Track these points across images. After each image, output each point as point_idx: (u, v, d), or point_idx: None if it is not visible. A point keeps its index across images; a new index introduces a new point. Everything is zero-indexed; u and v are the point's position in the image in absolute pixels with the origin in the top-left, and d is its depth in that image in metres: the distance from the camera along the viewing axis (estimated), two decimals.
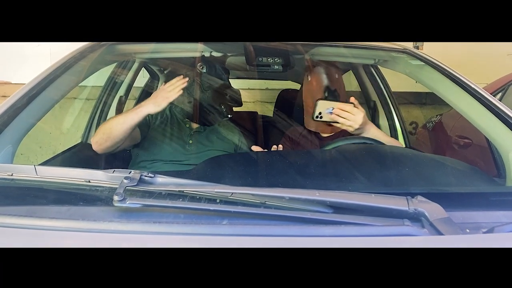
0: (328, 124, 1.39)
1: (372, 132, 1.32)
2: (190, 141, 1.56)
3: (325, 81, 1.49)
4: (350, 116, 1.28)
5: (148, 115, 1.53)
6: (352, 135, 1.33)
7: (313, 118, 1.33)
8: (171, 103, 1.66)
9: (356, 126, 1.27)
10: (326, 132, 1.55)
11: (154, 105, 1.31)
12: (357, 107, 1.29)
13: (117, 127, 1.30)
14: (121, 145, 1.41)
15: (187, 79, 1.35)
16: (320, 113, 1.32)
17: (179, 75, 1.58)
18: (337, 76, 1.54)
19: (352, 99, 1.32)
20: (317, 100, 1.31)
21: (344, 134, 1.45)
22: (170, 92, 1.32)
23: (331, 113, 1.30)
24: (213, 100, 1.55)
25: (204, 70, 1.53)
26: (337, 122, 1.31)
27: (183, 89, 1.55)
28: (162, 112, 1.60)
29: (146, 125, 1.53)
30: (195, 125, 1.61)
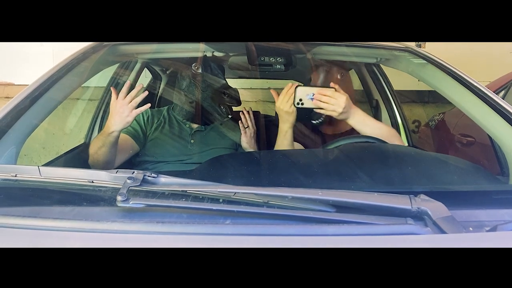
0: (315, 111, 1.36)
1: (358, 116, 1.28)
2: (192, 141, 1.57)
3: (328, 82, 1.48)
4: (331, 100, 1.24)
5: (142, 124, 1.54)
6: (357, 132, 1.32)
7: (294, 105, 1.29)
8: (169, 105, 1.68)
9: (340, 110, 1.23)
10: (328, 132, 1.56)
11: (121, 122, 1.23)
12: (338, 91, 1.26)
13: (100, 151, 1.28)
14: (120, 160, 1.39)
15: (142, 85, 1.28)
16: (300, 100, 1.28)
17: (181, 74, 1.58)
18: (339, 77, 1.54)
19: (332, 84, 1.28)
20: (296, 87, 1.28)
21: (349, 133, 1.45)
22: (131, 103, 1.23)
23: (312, 99, 1.26)
24: (212, 100, 1.55)
25: (200, 71, 1.53)
26: (320, 108, 1.27)
27: (182, 90, 1.55)
28: (159, 115, 1.61)
29: (140, 134, 1.52)
30: (195, 125, 1.61)
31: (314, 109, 1.31)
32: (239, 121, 1.57)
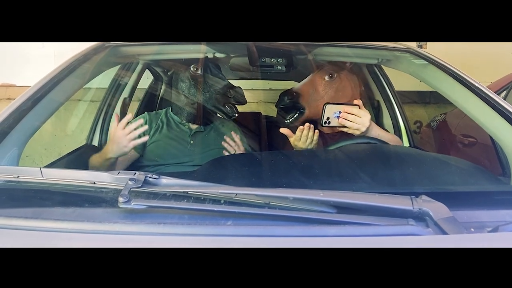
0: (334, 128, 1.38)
1: (374, 132, 1.31)
2: (192, 141, 1.56)
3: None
4: (357, 119, 1.26)
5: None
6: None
7: (321, 124, 1.30)
8: (167, 107, 1.68)
9: (363, 129, 1.26)
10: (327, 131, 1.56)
11: (118, 151, 1.27)
12: (362, 109, 1.28)
13: (100, 168, 1.33)
14: (120, 169, 1.41)
15: (142, 120, 1.31)
16: (328, 118, 1.29)
17: (181, 76, 1.58)
18: (327, 78, 1.56)
19: (356, 101, 1.31)
20: (324, 104, 1.29)
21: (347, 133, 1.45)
22: (129, 136, 1.26)
23: (338, 117, 1.28)
24: (216, 100, 1.54)
25: (199, 72, 1.53)
26: (345, 126, 1.29)
27: (182, 91, 1.55)
28: (157, 118, 1.61)
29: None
30: (194, 126, 1.61)
31: (337, 127, 1.33)
32: (223, 150, 1.54)
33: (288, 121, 1.58)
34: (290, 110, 1.58)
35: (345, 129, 1.31)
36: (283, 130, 1.37)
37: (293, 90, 1.58)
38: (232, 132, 1.56)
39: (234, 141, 1.52)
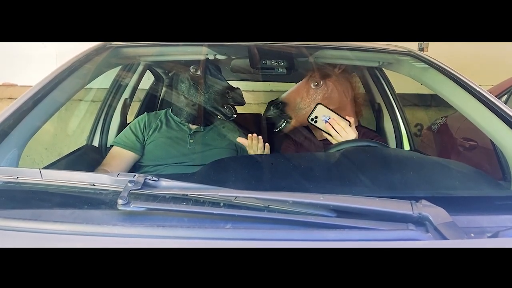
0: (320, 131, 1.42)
1: None
2: (191, 141, 1.56)
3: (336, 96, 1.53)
4: (342, 132, 1.29)
5: (139, 131, 1.54)
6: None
7: (308, 119, 1.35)
8: (167, 108, 1.68)
9: None
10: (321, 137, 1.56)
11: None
12: (351, 128, 1.31)
13: None
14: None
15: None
16: (316, 117, 1.33)
17: (181, 77, 1.58)
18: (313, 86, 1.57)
19: (349, 118, 1.33)
20: (317, 104, 1.33)
21: None
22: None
23: (326, 122, 1.32)
24: (215, 101, 1.55)
25: (198, 73, 1.53)
26: (329, 134, 1.33)
27: (182, 92, 1.56)
28: (156, 118, 1.61)
29: (137, 144, 1.52)
30: (194, 126, 1.61)
31: (322, 131, 1.37)
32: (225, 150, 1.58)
33: (276, 130, 1.62)
34: (277, 119, 1.61)
35: (328, 137, 1.35)
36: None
37: (280, 99, 1.61)
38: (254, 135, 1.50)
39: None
